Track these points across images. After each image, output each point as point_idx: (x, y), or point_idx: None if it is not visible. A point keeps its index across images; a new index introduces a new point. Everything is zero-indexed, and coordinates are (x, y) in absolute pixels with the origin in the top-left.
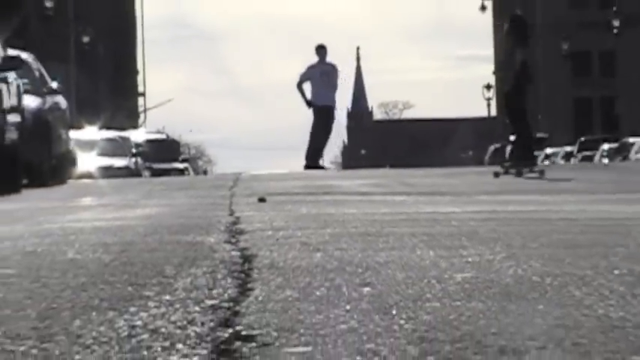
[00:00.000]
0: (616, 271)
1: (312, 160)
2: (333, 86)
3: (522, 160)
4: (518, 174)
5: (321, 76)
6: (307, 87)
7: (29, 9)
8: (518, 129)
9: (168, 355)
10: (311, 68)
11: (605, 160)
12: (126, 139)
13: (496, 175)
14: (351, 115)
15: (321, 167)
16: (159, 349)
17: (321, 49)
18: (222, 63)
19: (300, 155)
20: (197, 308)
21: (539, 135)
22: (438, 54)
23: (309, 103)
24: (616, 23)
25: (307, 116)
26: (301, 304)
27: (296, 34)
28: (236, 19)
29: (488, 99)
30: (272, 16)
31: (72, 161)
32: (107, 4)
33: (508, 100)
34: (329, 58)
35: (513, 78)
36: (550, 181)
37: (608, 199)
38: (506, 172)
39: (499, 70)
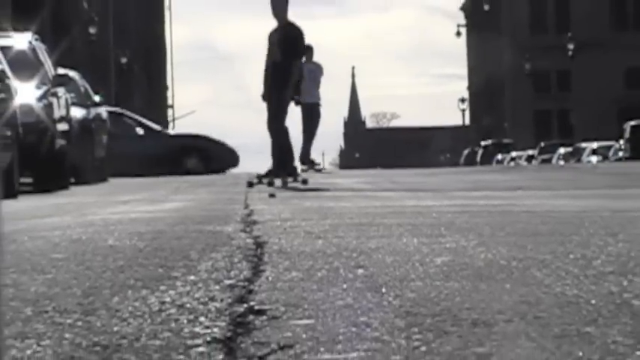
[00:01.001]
0: (571, 256)
1: (302, 158)
2: (317, 84)
3: (282, 171)
4: (283, 184)
5: (308, 74)
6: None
7: (76, 35)
8: (278, 142)
9: (192, 326)
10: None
11: (561, 162)
12: None
13: (250, 184)
14: (347, 124)
15: (313, 163)
16: (185, 321)
17: (307, 50)
18: (239, 80)
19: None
20: (217, 287)
21: (505, 141)
22: (421, 72)
23: (297, 102)
24: (571, 47)
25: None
26: (305, 283)
27: None
28: (251, 42)
29: (463, 110)
30: None
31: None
32: (141, 31)
33: (273, 114)
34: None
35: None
36: (509, 181)
37: (563, 195)
38: (259, 182)
39: (472, 86)
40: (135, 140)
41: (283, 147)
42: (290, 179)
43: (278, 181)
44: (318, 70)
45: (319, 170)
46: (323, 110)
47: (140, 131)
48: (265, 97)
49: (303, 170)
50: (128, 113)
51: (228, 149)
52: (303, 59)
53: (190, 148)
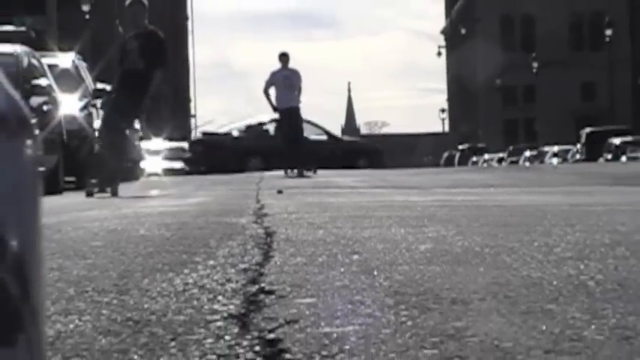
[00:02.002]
0: (535, 244)
1: (291, 160)
2: (295, 88)
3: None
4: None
5: (283, 80)
6: (273, 92)
7: (112, 55)
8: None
9: (211, 304)
10: (274, 74)
11: (527, 163)
12: (182, 148)
13: (89, 194)
14: (344, 131)
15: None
16: (205, 300)
17: (283, 57)
18: (250, 93)
19: None
20: (233, 270)
21: (479, 145)
22: (407, 87)
23: (274, 108)
24: (535, 65)
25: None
26: (308, 267)
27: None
28: (261, 60)
29: (443, 119)
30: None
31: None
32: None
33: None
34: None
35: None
36: (483, 179)
37: (529, 191)
38: (100, 192)
39: (450, 98)
40: (324, 144)
41: (112, 153)
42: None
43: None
44: (294, 75)
45: (315, 172)
46: (323, 119)
47: (324, 137)
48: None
49: (298, 173)
50: (319, 124)
51: (381, 151)
52: (279, 66)
53: (361, 150)
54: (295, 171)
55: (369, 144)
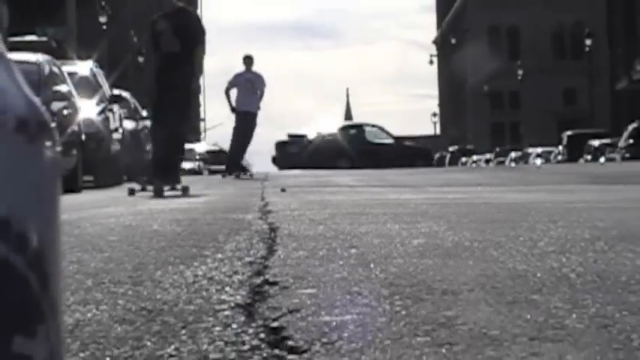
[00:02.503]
0: (520, 238)
1: (232, 163)
2: (256, 92)
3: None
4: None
5: (245, 83)
6: (234, 93)
7: (128, 62)
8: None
9: (219, 295)
10: (237, 76)
11: (513, 164)
12: (193, 150)
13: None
14: None
15: (243, 170)
16: (213, 290)
17: (247, 59)
18: None
19: None
20: (239, 263)
21: (468, 147)
22: (402, 92)
23: (233, 109)
24: (520, 72)
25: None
26: (309, 260)
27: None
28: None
29: (434, 122)
30: (289, 68)
31: None
32: None
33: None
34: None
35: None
36: (472, 179)
37: (514, 190)
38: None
39: (442, 103)
40: (391, 147)
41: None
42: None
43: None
44: (257, 79)
45: (251, 176)
46: (323, 123)
47: (390, 140)
48: (153, 97)
49: (235, 175)
50: (387, 130)
51: (431, 152)
52: (243, 68)
53: (418, 152)
54: (232, 175)
55: (424, 147)
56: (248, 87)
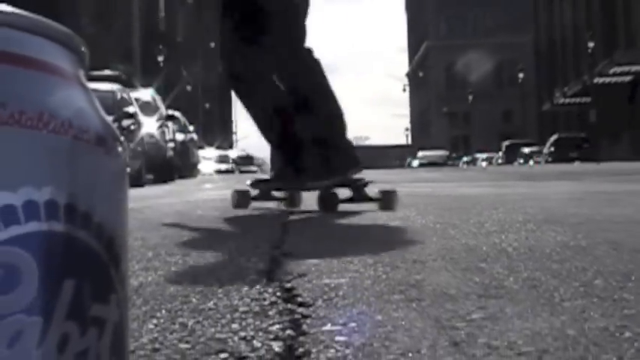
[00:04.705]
0: (471, 221)
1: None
2: None
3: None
4: None
5: None
6: None
7: (179, 90)
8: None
9: (247, 263)
10: None
11: (465, 166)
12: (227, 155)
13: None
14: None
15: None
16: (243, 260)
17: None
18: None
19: None
20: (262, 240)
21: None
22: (382, 112)
23: None
24: (470, 97)
25: None
26: (313, 239)
27: None
28: None
29: (407, 135)
30: None
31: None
32: (217, 86)
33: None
34: None
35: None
36: (436, 177)
37: (466, 185)
38: None
39: (412, 121)
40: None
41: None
42: None
43: None
44: None
45: None
46: None
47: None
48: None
49: None
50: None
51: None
52: None
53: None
54: None
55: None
56: None
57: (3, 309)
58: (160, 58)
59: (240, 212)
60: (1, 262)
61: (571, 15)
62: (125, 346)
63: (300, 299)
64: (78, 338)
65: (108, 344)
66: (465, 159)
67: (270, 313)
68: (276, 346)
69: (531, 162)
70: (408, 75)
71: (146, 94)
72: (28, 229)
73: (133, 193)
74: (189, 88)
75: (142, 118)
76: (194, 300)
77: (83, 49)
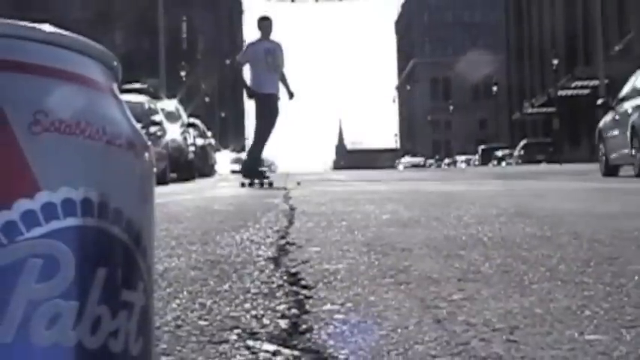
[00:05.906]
0: (452, 214)
1: (249, 167)
2: (277, 67)
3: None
4: (260, 184)
5: (265, 55)
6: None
7: (213, 100)
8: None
9: (257, 251)
10: (253, 46)
11: (446, 167)
12: (240, 157)
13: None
14: (337, 147)
15: (264, 176)
16: (254, 248)
17: (263, 22)
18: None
19: (322, 159)
20: (270, 231)
21: (418, 156)
22: (375, 121)
23: (250, 93)
24: (451, 108)
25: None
26: (315, 228)
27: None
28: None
29: (396, 140)
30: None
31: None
32: (231, 97)
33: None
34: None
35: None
36: (421, 176)
37: (447, 183)
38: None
39: (401, 128)
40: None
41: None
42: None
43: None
44: (278, 50)
45: (270, 185)
46: (322, 143)
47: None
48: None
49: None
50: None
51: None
52: (259, 35)
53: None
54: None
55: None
56: (269, 62)
57: (43, 294)
58: (183, 73)
59: (252, 206)
60: (42, 252)
61: (538, 37)
62: (151, 326)
63: (303, 282)
64: (109, 320)
65: (135, 325)
66: (446, 161)
67: (278, 294)
68: (283, 323)
69: (504, 163)
70: (397, 88)
71: (170, 104)
72: (66, 224)
73: (159, 190)
74: (207, 99)
75: (166, 125)
76: (212, 283)
77: (116, 64)
